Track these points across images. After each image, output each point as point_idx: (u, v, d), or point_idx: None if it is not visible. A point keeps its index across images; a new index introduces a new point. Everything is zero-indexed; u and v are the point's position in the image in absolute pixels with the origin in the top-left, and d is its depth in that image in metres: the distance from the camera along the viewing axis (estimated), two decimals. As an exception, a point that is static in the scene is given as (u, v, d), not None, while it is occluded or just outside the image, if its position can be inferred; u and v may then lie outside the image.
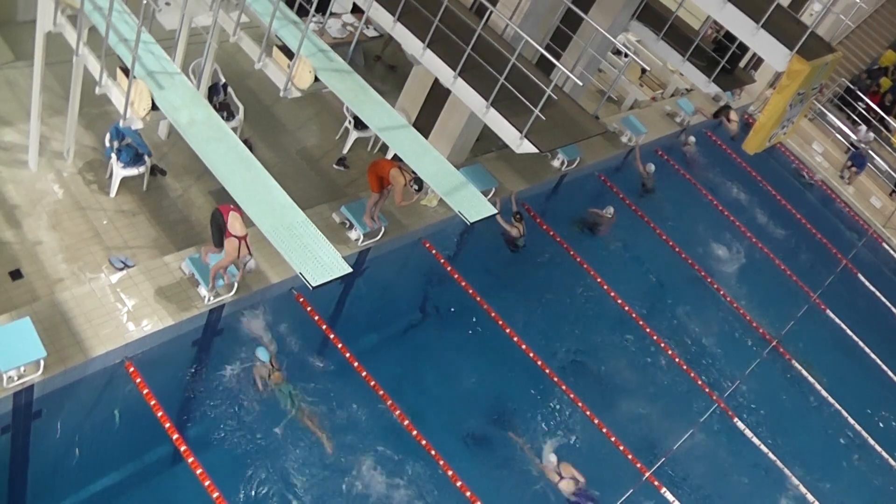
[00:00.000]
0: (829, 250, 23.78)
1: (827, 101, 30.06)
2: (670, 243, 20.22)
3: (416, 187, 14.69)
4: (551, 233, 18.47)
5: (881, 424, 18.45)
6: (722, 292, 19.73)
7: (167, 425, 11.67)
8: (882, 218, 27.10)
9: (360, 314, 15.03)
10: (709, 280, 19.88)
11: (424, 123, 17.28)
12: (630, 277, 18.66)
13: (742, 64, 23.21)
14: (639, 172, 21.54)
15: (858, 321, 21.08)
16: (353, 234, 15.31)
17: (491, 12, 13.17)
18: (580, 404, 15.18)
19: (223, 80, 15.90)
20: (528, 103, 13.11)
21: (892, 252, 26.15)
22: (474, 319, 15.44)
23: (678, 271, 19.82)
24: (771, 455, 16.24)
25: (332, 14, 18.49)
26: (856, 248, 24.89)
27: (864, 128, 29.16)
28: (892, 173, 28.44)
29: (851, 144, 28.80)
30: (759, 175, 24.89)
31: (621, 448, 14.85)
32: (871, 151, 28.56)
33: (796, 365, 18.73)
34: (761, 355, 18.64)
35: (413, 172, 13.98)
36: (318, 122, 17.94)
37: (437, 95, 16.89)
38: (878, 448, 17.91)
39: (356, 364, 13.70)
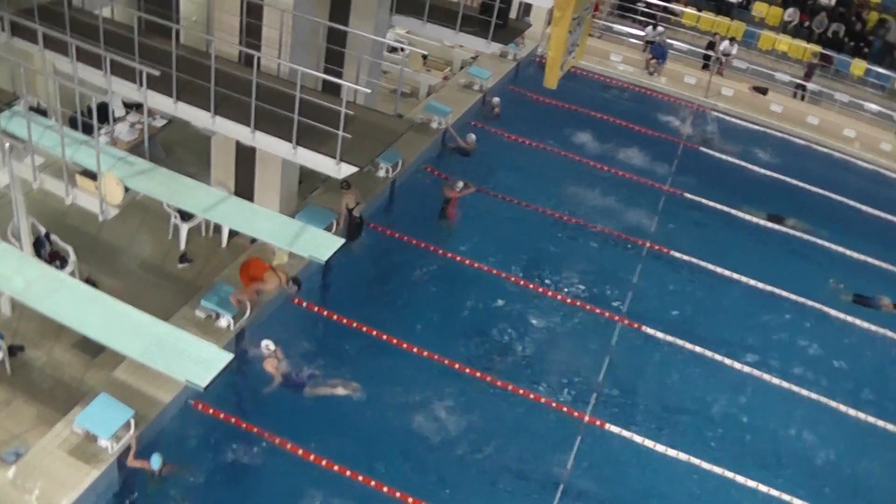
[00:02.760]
0: (665, 139, 25.19)
1: (608, 15, 32.02)
2: (516, 202, 20.80)
3: (295, 287, 15.34)
4: (405, 238, 18.72)
5: (782, 278, 19.41)
6: (583, 223, 20.48)
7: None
8: (701, 91, 28.80)
9: (263, 393, 14.83)
10: (566, 218, 20.60)
11: (245, 187, 17.25)
12: (496, 247, 19.09)
13: (514, 14, 24.80)
14: (462, 148, 22.07)
15: (716, 190, 22.51)
16: (223, 322, 15.22)
17: (259, 58, 13.28)
18: (499, 383, 15.53)
19: (44, 231, 15.63)
20: (330, 129, 13.31)
21: (720, 115, 27.94)
22: (368, 350, 15.63)
23: (537, 224, 20.39)
24: (688, 345, 17.02)
25: (116, 119, 18.38)
26: (687, 127, 26.48)
27: (650, 28, 30.75)
28: (697, 49, 30.19)
29: (648, 42, 30.36)
30: (574, 104, 25.87)
31: (553, 405, 15.29)
32: (667, 40, 30.17)
33: (676, 254, 19.69)
34: (642, 259, 19.48)
35: (286, 272, 14.41)
36: (147, 229, 17.67)
37: (245, 156, 16.90)
38: (783, 292, 19.02)
39: (277, 440, 13.66)
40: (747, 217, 21.65)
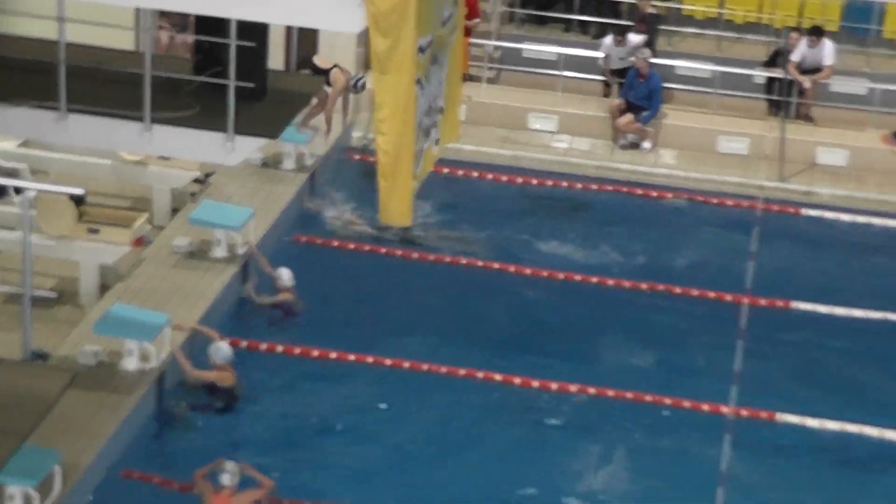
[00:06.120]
0: (699, 299, 22.93)
1: (507, 25, 30.68)
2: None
3: None
4: None
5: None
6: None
7: None
8: (759, 167, 26.89)
9: None
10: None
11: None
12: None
13: (283, 60, 24.68)
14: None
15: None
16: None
17: None
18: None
19: None
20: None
21: (820, 215, 26.23)
22: None
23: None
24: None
25: None
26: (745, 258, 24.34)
27: (608, 38, 28.37)
28: (733, 69, 28.42)
29: (611, 71, 28.36)
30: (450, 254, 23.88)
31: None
32: (651, 59, 27.74)
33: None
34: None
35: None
36: None
37: None
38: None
39: None
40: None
